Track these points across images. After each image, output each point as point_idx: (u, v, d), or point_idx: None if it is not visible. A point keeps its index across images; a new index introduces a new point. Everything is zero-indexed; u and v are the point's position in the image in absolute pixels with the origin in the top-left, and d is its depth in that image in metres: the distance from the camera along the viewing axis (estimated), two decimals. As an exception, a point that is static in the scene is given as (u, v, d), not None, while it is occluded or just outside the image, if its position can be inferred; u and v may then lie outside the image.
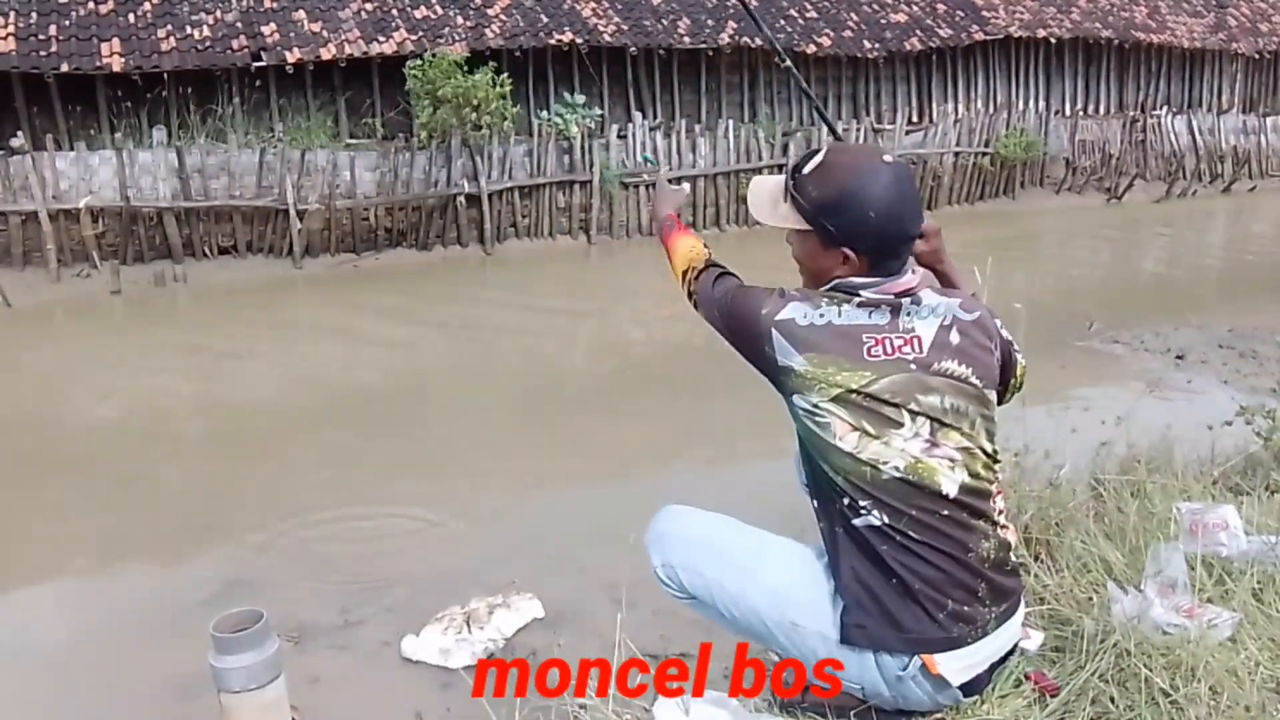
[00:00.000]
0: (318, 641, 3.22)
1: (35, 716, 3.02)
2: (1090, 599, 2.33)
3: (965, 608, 1.90)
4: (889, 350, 1.89)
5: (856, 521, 1.89)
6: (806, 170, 1.95)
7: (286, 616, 3.28)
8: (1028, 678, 2.05)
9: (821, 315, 1.90)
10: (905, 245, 1.97)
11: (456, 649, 3.02)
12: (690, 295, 2.21)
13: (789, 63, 3.17)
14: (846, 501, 1.90)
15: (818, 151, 1.98)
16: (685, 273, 2.25)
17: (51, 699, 3.09)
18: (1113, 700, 1.95)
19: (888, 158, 1.97)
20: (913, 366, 1.89)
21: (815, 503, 2.00)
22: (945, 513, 1.90)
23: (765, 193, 2.05)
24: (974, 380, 1.95)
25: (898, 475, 1.86)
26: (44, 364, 7.62)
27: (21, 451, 5.58)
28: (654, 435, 5.54)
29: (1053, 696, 2.00)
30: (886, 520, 1.87)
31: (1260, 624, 2.14)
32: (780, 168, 12.77)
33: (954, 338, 1.94)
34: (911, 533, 1.87)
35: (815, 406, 1.88)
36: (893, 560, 1.87)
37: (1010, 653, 2.05)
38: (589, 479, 4.94)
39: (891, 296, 1.93)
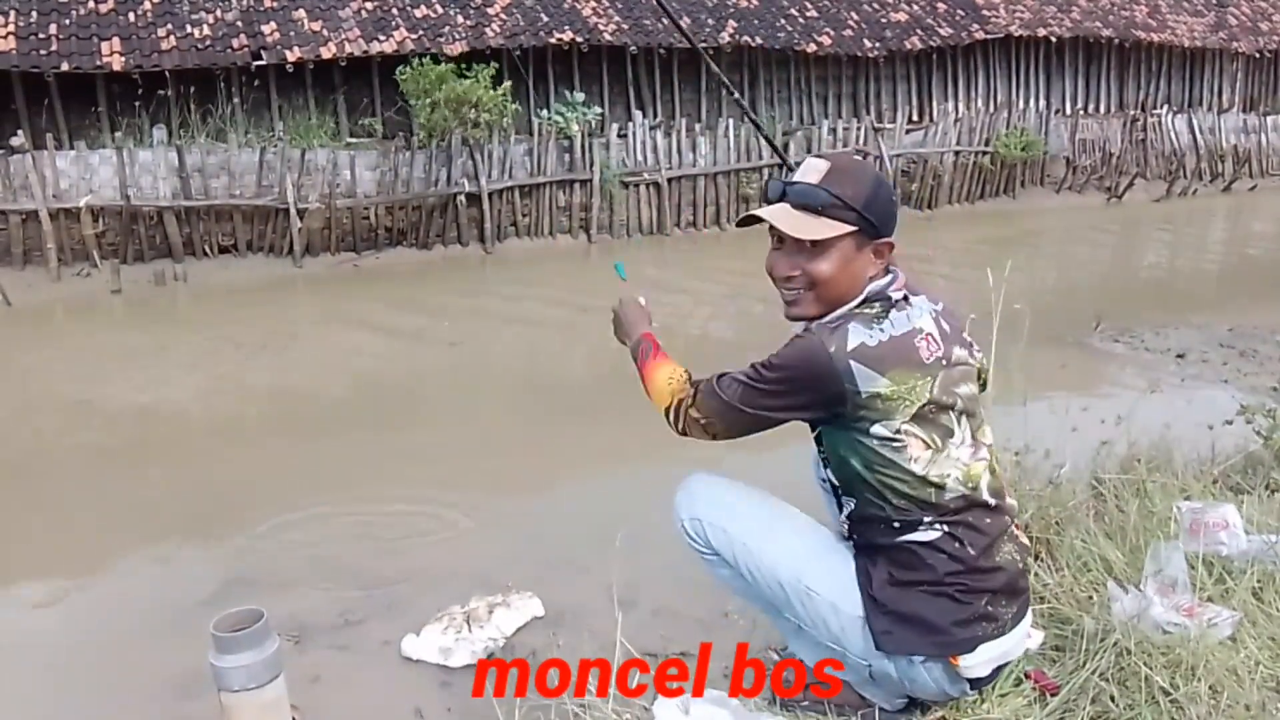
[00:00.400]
0: (318, 641, 3.21)
1: (35, 716, 3.01)
2: (1090, 598, 2.33)
3: (990, 608, 1.93)
4: (929, 351, 1.90)
5: (910, 536, 1.90)
6: (818, 179, 1.92)
7: (286, 616, 3.28)
8: (1028, 676, 2.05)
9: (882, 330, 1.87)
10: None
11: (457, 648, 3.01)
12: (690, 425, 2.06)
13: (709, 61, 3.22)
14: (899, 524, 1.91)
15: (810, 163, 1.96)
16: (672, 407, 2.09)
17: (51, 699, 3.09)
18: (1113, 699, 1.95)
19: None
20: (944, 362, 1.92)
21: (855, 517, 1.99)
22: (988, 520, 1.94)
23: (791, 216, 1.94)
24: (971, 359, 2.00)
25: (959, 489, 1.90)
26: (44, 363, 7.62)
27: (21, 451, 5.58)
28: (655, 435, 5.51)
29: (1053, 695, 2.00)
30: (945, 531, 1.89)
31: (1260, 623, 2.14)
32: (779, 167, 12.77)
33: (945, 325, 1.98)
34: (963, 540, 1.90)
35: (896, 432, 1.85)
36: (936, 569, 1.89)
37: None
38: (590, 478, 4.93)
39: (904, 294, 1.95)
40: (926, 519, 1.89)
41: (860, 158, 2.26)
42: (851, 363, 1.83)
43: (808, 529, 2.06)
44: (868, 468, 1.91)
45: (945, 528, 1.89)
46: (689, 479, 2.18)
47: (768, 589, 2.03)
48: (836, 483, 2.02)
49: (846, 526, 2.04)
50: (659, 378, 2.16)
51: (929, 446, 1.87)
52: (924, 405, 1.86)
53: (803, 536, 2.04)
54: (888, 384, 1.84)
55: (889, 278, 1.96)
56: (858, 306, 1.93)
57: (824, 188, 1.90)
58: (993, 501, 1.95)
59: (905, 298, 1.95)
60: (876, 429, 1.86)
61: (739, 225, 2.36)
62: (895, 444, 1.86)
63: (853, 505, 1.99)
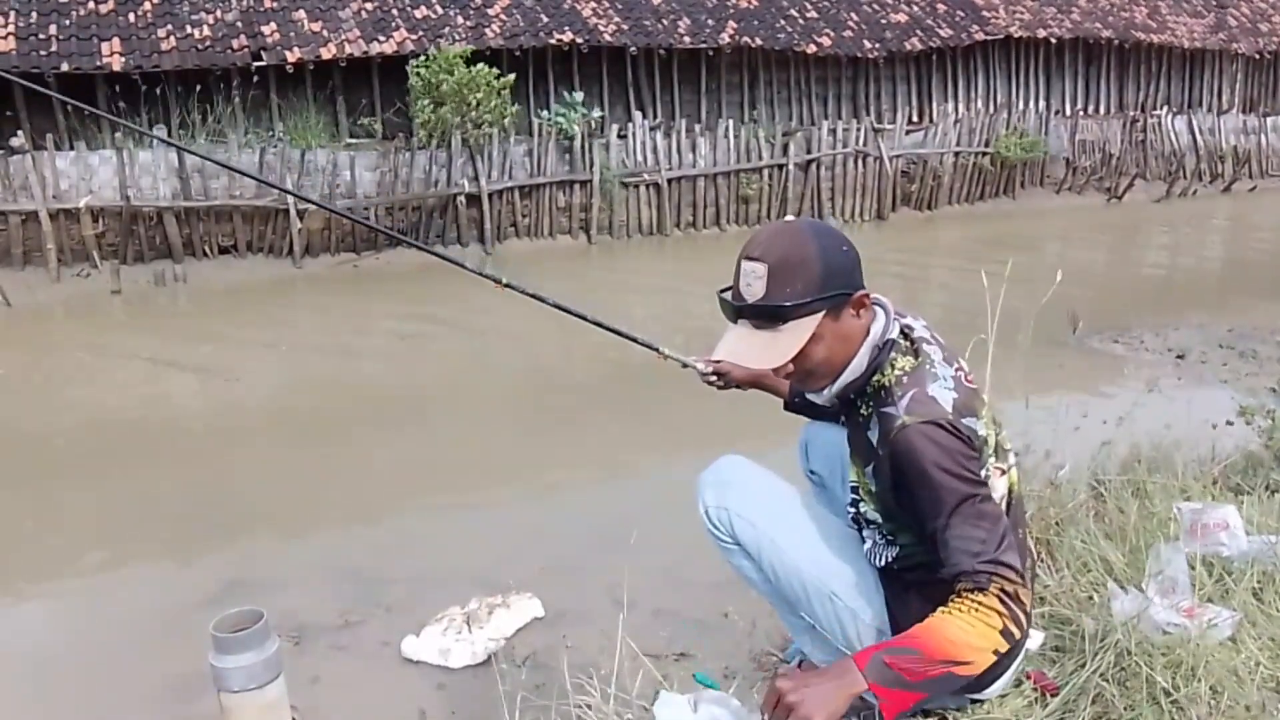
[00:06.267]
0: (318, 641, 3.22)
1: (35, 716, 3.02)
2: (1090, 598, 2.33)
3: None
4: (971, 376, 1.86)
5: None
6: (764, 290, 1.74)
7: (286, 616, 3.28)
8: (1028, 677, 2.05)
9: (946, 381, 1.78)
10: None
11: (456, 649, 3.02)
12: (1021, 593, 1.68)
13: None
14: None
15: (746, 271, 1.76)
16: (1002, 621, 1.65)
17: (52, 699, 3.09)
18: (1113, 700, 1.95)
19: (788, 219, 1.94)
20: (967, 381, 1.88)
21: (890, 559, 1.90)
22: (1021, 532, 1.91)
23: (753, 347, 1.79)
24: None
25: (1010, 503, 1.85)
26: (44, 364, 7.62)
27: (21, 452, 5.57)
28: (654, 435, 5.54)
29: (1053, 696, 2.00)
30: None
31: (1260, 624, 2.14)
32: (779, 168, 12.78)
33: (941, 339, 1.96)
34: None
35: (987, 474, 1.79)
36: None
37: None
38: (589, 479, 4.94)
39: (908, 327, 1.89)
40: None
41: (790, 226, 2.03)
42: (963, 420, 1.75)
43: (839, 535, 2.01)
44: None
45: None
46: (719, 463, 2.05)
47: (787, 587, 1.98)
48: (889, 534, 1.89)
49: (882, 563, 1.94)
50: (955, 630, 1.63)
51: (1004, 473, 1.84)
52: (998, 432, 1.83)
53: (834, 542, 1.99)
54: (983, 425, 1.79)
55: (884, 316, 1.86)
56: (889, 365, 1.80)
57: (774, 301, 1.73)
58: (1025, 504, 1.93)
59: (912, 332, 1.87)
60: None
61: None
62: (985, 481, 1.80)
63: (900, 550, 1.89)
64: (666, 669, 2.45)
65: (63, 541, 4.35)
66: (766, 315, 1.75)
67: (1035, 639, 2.18)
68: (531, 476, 4.96)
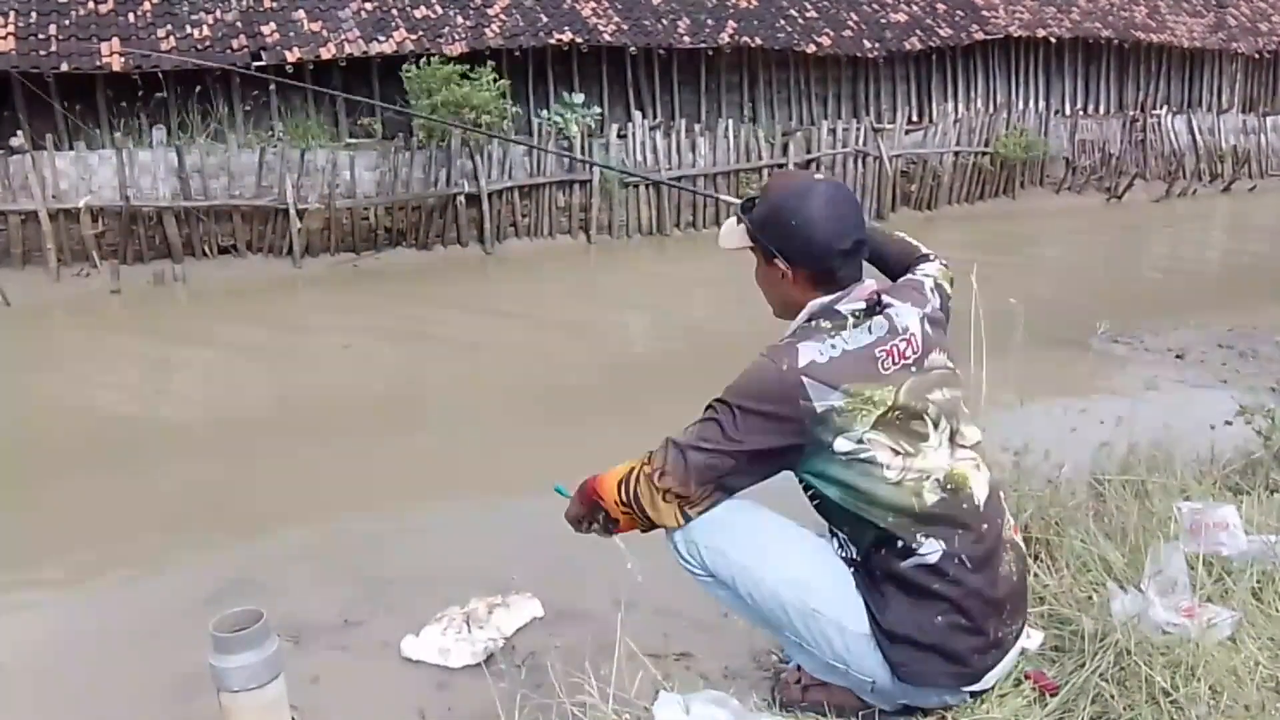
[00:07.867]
0: (318, 641, 3.21)
1: (34, 716, 3.02)
2: (1090, 598, 2.33)
3: (1000, 634, 1.94)
4: (896, 358, 1.90)
5: (908, 562, 1.88)
6: (757, 198, 2.09)
7: (286, 616, 3.28)
8: (1027, 677, 2.05)
9: (834, 346, 1.88)
10: (842, 259, 1.94)
11: (456, 648, 3.02)
12: (646, 491, 1.96)
13: None
14: (899, 545, 1.88)
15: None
16: (624, 481, 1.98)
17: (50, 698, 3.09)
18: (1112, 699, 1.95)
19: (819, 176, 2.07)
20: (914, 370, 1.91)
21: (855, 554, 1.96)
22: (984, 526, 1.93)
23: (727, 229, 2.17)
24: (950, 364, 2.01)
25: (940, 494, 1.88)
26: (44, 363, 7.62)
27: (21, 451, 5.57)
28: (654, 435, 5.53)
29: (1052, 695, 2.00)
30: (944, 549, 1.87)
31: (1260, 623, 2.15)
32: (779, 168, 12.78)
33: (929, 328, 1.99)
34: (963, 556, 1.88)
35: (859, 441, 1.84)
36: (941, 594, 1.88)
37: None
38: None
39: (873, 303, 1.94)
40: (919, 536, 1.86)
41: (801, 176, 2.14)
42: (803, 379, 1.83)
43: (809, 546, 2.01)
44: (847, 493, 1.87)
45: (942, 544, 1.86)
46: None
47: (768, 610, 1.98)
48: (830, 527, 1.99)
49: (852, 565, 1.99)
50: (609, 474, 2.03)
51: (898, 453, 1.85)
52: (886, 413, 1.84)
53: (804, 555, 1.99)
54: (840, 396, 1.83)
55: (837, 295, 1.94)
56: (808, 322, 1.95)
57: (746, 200, 2.12)
58: (981, 501, 1.92)
59: (872, 308, 1.93)
60: (840, 443, 1.83)
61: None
62: (862, 454, 1.83)
63: (844, 538, 1.96)
64: (666, 669, 2.45)
65: (62, 541, 4.34)
66: (739, 210, 2.11)
67: (1034, 639, 2.18)
68: (532, 476, 4.94)
